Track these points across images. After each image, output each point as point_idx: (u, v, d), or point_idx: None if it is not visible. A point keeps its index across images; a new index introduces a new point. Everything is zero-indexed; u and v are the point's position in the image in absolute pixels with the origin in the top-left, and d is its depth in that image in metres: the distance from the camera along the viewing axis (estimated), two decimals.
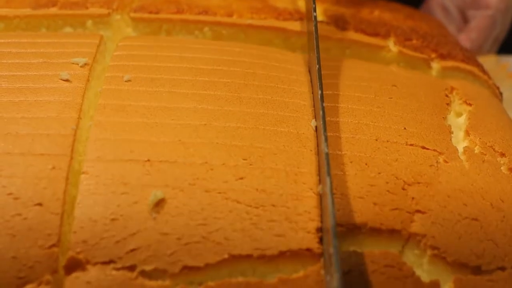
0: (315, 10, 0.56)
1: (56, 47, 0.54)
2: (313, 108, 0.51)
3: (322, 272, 0.42)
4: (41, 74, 0.50)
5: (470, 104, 0.55)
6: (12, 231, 0.42)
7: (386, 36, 0.61)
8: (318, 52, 0.52)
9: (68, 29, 0.59)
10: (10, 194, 0.43)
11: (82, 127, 0.47)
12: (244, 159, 0.45)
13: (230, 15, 0.60)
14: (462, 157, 0.49)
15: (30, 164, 0.44)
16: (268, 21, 0.60)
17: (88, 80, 0.50)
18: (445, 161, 0.48)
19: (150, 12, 0.59)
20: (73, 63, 0.51)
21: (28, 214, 0.42)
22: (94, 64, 0.52)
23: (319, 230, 0.43)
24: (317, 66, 0.51)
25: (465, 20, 0.79)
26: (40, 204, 0.43)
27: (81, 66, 0.51)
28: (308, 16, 0.59)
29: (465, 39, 0.74)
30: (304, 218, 0.43)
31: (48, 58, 0.52)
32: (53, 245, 0.42)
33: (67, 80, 0.50)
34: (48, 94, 0.49)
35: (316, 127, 0.49)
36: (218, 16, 0.59)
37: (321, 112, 0.47)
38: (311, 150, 0.47)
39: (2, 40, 0.54)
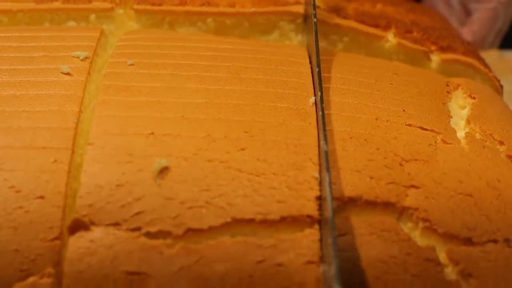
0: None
1: (56, 40, 0.54)
2: (312, 86, 0.51)
3: (319, 233, 0.43)
4: (42, 67, 0.51)
5: (474, 98, 0.55)
6: (14, 224, 0.42)
7: (386, 28, 0.61)
8: (317, 53, 0.53)
9: (71, 23, 0.59)
10: (12, 187, 0.43)
11: (83, 120, 0.47)
12: (245, 132, 0.46)
13: (232, 5, 0.60)
14: (463, 141, 0.50)
15: (31, 157, 0.44)
16: (270, 8, 0.60)
17: (89, 74, 0.50)
18: (444, 141, 0.49)
19: (153, 4, 0.60)
20: (73, 57, 0.51)
21: (30, 207, 0.43)
22: (94, 57, 0.52)
23: (318, 198, 0.44)
24: (317, 68, 0.51)
25: (467, 13, 0.78)
26: (42, 197, 0.43)
27: (81, 60, 0.51)
28: (307, 1, 0.60)
29: (468, 32, 0.74)
30: (304, 186, 0.44)
31: (49, 51, 0.52)
32: (55, 238, 0.42)
33: (68, 74, 0.50)
34: (49, 88, 0.49)
35: (315, 103, 0.49)
36: (221, 7, 0.60)
37: (321, 113, 0.48)
38: (310, 123, 0.47)
39: (3, 34, 0.55)
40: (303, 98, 0.50)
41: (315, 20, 0.55)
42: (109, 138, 0.45)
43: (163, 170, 0.44)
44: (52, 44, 0.53)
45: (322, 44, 0.59)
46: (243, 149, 0.45)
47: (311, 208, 0.43)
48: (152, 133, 0.45)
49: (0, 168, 0.44)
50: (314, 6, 0.56)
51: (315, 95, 0.50)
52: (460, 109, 0.54)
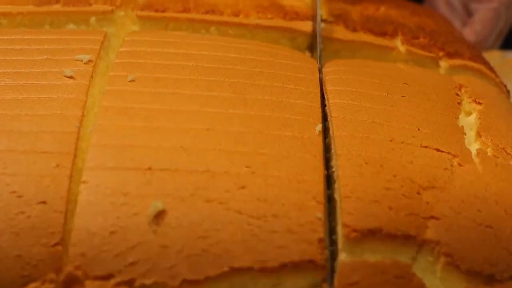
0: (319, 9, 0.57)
1: (60, 43, 0.53)
2: (320, 109, 0.50)
3: (325, 286, 0.42)
4: (45, 71, 0.50)
5: (479, 103, 0.54)
6: (16, 229, 0.42)
7: (393, 34, 0.61)
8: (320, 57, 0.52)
9: (71, 26, 0.58)
10: (13, 192, 0.43)
11: (86, 124, 0.47)
12: (246, 167, 0.45)
13: (236, 14, 0.60)
14: (476, 160, 0.49)
15: (33, 162, 0.44)
16: (274, 21, 0.60)
17: (92, 77, 0.50)
18: (459, 164, 0.48)
19: (157, 11, 0.59)
20: (77, 60, 0.51)
21: (32, 212, 0.42)
22: (98, 60, 0.52)
23: (322, 240, 0.42)
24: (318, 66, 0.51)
25: (468, 13, 0.78)
26: (43, 202, 0.43)
27: (85, 63, 0.51)
28: (314, 15, 0.60)
29: (470, 32, 0.74)
30: (306, 229, 0.43)
31: (52, 55, 0.52)
32: (57, 244, 0.42)
33: (71, 77, 0.50)
34: (51, 91, 0.48)
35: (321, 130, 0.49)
36: (225, 16, 0.59)
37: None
38: (315, 156, 0.46)
39: (6, 37, 0.54)
40: (309, 125, 0.49)
41: (319, 39, 0.55)
42: (104, 174, 0.44)
43: (159, 214, 0.42)
44: (55, 47, 0.53)
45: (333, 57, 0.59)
46: (243, 187, 0.44)
47: (313, 253, 0.42)
48: (149, 168, 0.44)
49: (2, 173, 0.43)
50: (319, 24, 0.56)
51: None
52: (466, 116, 0.54)
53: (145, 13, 0.59)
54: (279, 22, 0.60)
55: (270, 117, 0.48)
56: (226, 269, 0.41)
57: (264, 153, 0.46)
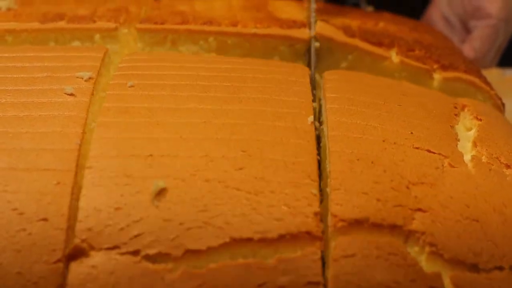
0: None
1: (61, 61, 0.54)
2: (311, 104, 0.51)
3: (320, 252, 0.43)
4: (46, 88, 0.50)
5: (480, 119, 0.55)
6: (17, 246, 0.42)
7: (389, 46, 0.61)
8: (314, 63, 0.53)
9: (76, 43, 0.59)
10: (15, 209, 0.43)
11: (87, 141, 0.47)
12: (243, 151, 0.46)
13: (234, 25, 0.60)
14: (469, 164, 0.50)
15: (34, 179, 0.44)
16: (272, 29, 0.60)
17: (92, 94, 0.50)
18: (451, 165, 0.49)
19: (156, 23, 0.60)
20: (77, 77, 0.51)
21: (33, 229, 0.42)
22: (98, 77, 0.52)
23: (317, 214, 0.44)
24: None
25: (467, 30, 0.78)
26: (45, 219, 0.43)
27: (85, 80, 0.51)
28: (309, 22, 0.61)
29: (469, 49, 0.74)
30: (303, 203, 0.44)
31: (53, 72, 0.52)
32: (58, 261, 0.42)
33: (71, 95, 0.50)
34: (52, 109, 0.49)
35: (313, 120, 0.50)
36: (223, 26, 0.60)
37: None
38: (308, 141, 0.48)
39: (8, 54, 0.55)
40: (302, 117, 0.50)
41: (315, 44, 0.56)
42: (108, 161, 0.45)
43: (161, 192, 0.44)
44: (56, 64, 0.53)
45: (326, 62, 0.60)
46: (241, 168, 0.45)
47: (310, 225, 0.43)
48: (151, 155, 0.45)
49: (3, 190, 0.44)
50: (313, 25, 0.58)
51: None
52: (466, 130, 0.54)
53: (144, 25, 0.60)
54: (277, 30, 0.60)
55: (264, 111, 0.50)
56: (227, 239, 0.43)
57: (259, 140, 0.47)
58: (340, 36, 0.61)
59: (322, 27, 0.61)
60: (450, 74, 0.61)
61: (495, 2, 0.75)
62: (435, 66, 0.61)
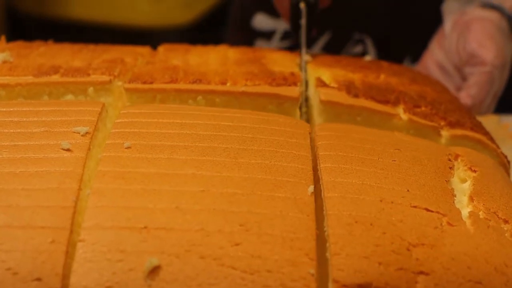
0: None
1: (57, 115, 0.53)
2: (312, 172, 0.51)
3: None
4: (43, 143, 0.50)
5: (474, 171, 0.55)
6: None
7: (395, 103, 0.61)
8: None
9: (69, 96, 0.59)
10: (9, 269, 0.42)
11: (83, 197, 0.47)
12: (240, 225, 0.45)
13: (224, 82, 0.60)
14: (467, 222, 0.49)
15: (30, 237, 0.44)
16: (261, 87, 0.60)
17: (89, 149, 0.50)
18: (449, 224, 0.48)
19: (144, 82, 0.59)
20: (74, 132, 0.51)
21: None
22: (95, 132, 0.52)
23: None
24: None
25: (462, 77, 0.79)
26: (39, 279, 0.42)
27: (82, 135, 0.51)
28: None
29: (466, 96, 0.74)
30: (299, 284, 0.43)
31: (49, 127, 0.52)
32: None
33: (68, 150, 0.49)
34: (49, 165, 0.48)
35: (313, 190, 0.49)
36: (212, 84, 0.60)
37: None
38: (308, 216, 0.47)
39: (4, 109, 0.54)
40: (302, 187, 0.49)
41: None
42: (101, 233, 0.44)
43: (154, 270, 0.43)
44: (53, 118, 0.53)
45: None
46: (237, 244, 0.44)
47: None
48: (145, 227, 0.45)
49: None
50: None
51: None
52: (461, 182, 0.54)
53: (132, 85, 0.59)
54: (266, 88, 0.60)
55: (263, 179, 0.49)
56: None
57: (257, 213, 0.46)
58: (345, 99, 0.61)
59: (325, 93, 0.61)
60: (458, 131, 0.61)
61: (489, 49, 0.75)
62: (442, 123, 0.61)
